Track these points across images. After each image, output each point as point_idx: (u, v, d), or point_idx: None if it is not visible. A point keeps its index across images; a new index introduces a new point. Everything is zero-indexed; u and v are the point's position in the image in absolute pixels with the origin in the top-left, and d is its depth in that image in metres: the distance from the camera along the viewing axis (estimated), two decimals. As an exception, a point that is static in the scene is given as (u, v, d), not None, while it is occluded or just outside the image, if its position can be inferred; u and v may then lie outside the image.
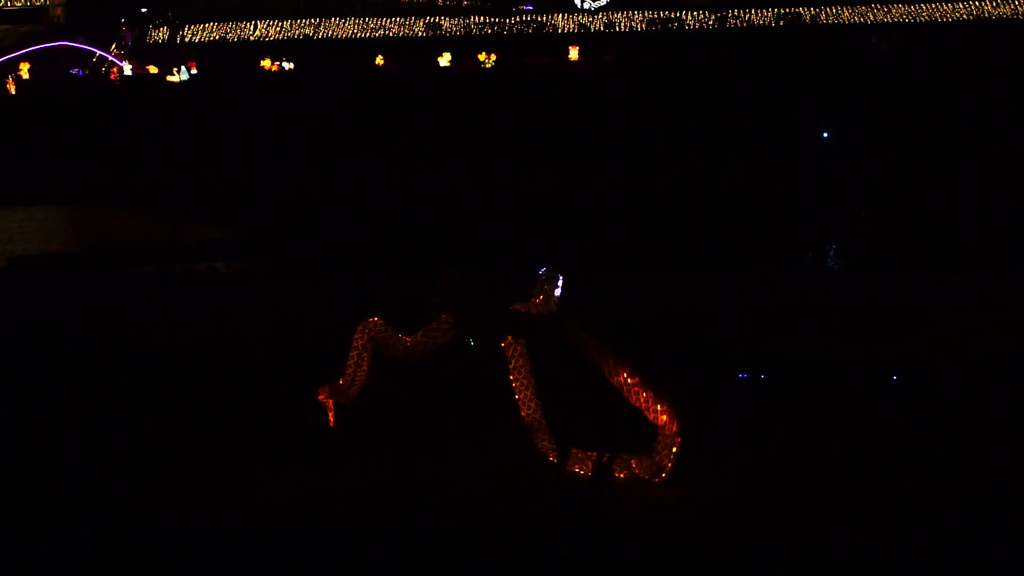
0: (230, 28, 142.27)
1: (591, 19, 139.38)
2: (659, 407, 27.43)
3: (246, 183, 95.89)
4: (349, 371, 29.42)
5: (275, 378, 34.40)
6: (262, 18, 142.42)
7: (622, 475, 27.77)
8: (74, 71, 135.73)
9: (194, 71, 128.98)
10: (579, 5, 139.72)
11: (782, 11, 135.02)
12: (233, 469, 29.46)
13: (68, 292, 50.93)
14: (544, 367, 29.71)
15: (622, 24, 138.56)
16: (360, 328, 29.28)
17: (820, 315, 44.28)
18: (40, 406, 34.70)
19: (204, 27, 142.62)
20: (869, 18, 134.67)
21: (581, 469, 28.44)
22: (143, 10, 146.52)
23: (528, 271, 31.60)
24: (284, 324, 35.75)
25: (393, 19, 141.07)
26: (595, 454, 27.54)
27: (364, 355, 29.29)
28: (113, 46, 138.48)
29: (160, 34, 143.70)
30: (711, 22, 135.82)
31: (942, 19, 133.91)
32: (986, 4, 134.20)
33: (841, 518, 25.90)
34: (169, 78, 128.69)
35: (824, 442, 31.19)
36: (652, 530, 25.25)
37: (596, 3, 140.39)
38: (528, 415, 29.00)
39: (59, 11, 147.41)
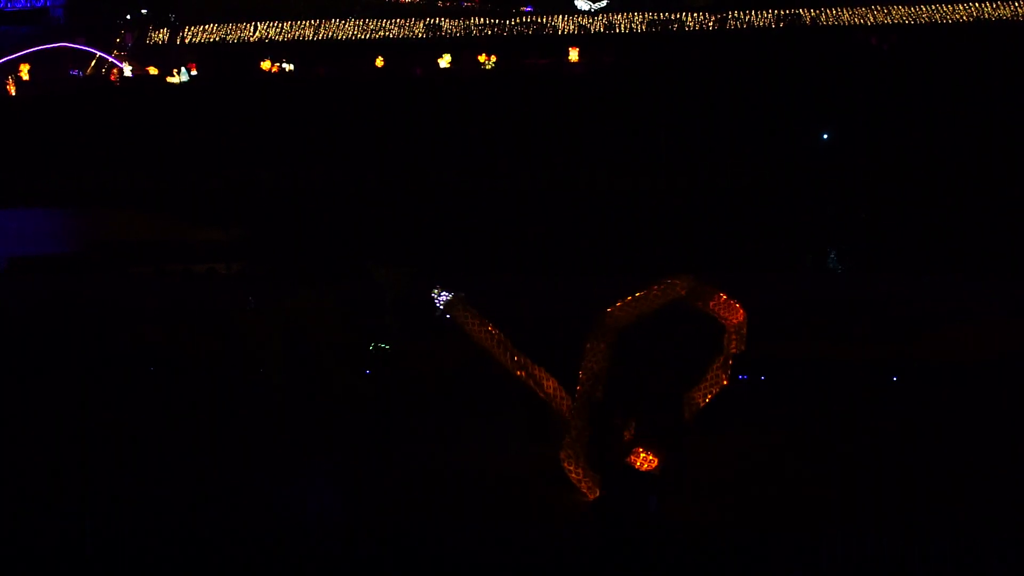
0: (230, 29, 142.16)
1: (591, 20, 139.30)
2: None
3: (246, 183, 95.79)
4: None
5: (274, 377, 34.40)
6: (262, 19, 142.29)
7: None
8: (74, 72, 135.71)
9: (194, 72, 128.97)
10: (580, 7, 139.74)
11: (782, 12, 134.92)
12: (233, 468, 29.46)
13: (68, 292, 50.92)
14: None
15: (622, 25, 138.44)
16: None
17: (820, 315, 44.29)
18: (40, 406, 34.70)
19: (204, 28, 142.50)
20: (869, 19, 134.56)
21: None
22: (143, 11, 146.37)
23: (530, 271, 31.68)
24: (284, 324, 35.71)
25: (393, 20, 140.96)
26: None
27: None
28: (115, 51, 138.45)
29: (160, 35, 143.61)
30: (711, 23, 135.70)
31: (942, 21, 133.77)
32: (986, 6, 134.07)
33: (840, 516, 25.91)
34: (169, 79, 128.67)
35: (823, 441, 31.22)
36: (653, 528, 25.25)
37: (596, 5, 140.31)
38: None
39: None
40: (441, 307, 29.42)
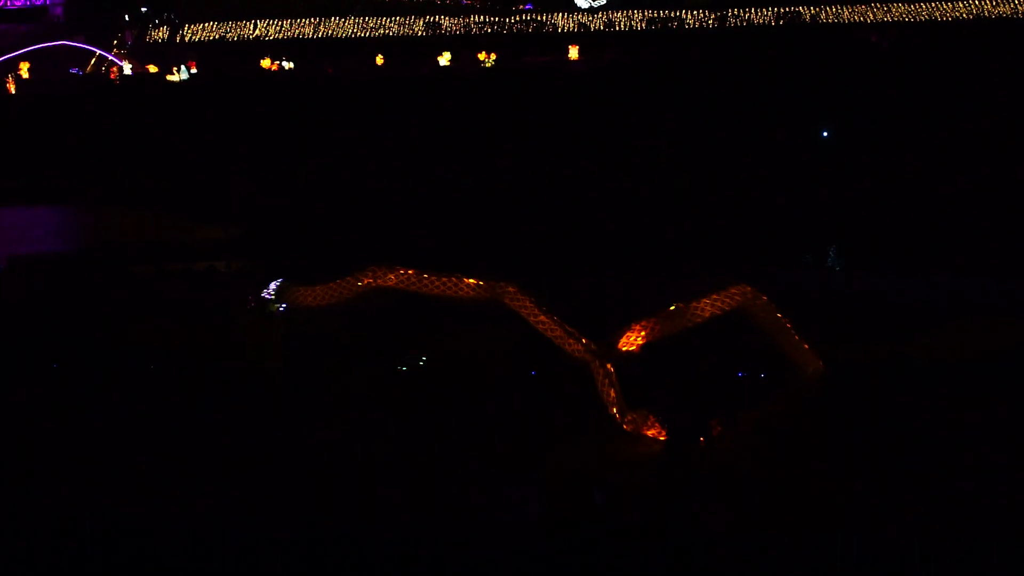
0: (230, 28, 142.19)
1: (591, 19, 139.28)
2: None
3: (246, 183, 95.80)
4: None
5: (275, 378, 34.40)
6: (262, 18, 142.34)
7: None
8: (73, 70, 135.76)
9: (194, 71, 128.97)
10: (579, 5, 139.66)
11: (782, 11, 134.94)
12: (233, 469, 29.48)
13: (68, 292, 50.84)
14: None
15: (622, 24, 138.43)
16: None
17: (820, 315, 44.18)
18: (40, 406, 34.69)
19: (204, 27, 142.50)
20: (869, 17, 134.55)
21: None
22: (143, 10, 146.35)
23: (529, 270, 31.64)
24: (284, 324, 35.70)
25: (393, 19, 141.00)
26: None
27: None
28: (115, 49, 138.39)
29: (160, 34, 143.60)
30: (711, 22, 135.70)
31: (942, 18, 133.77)
32: (986, 3, 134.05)
33: (840, 517, 25.93)
34: (169, 77, 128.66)
35: (823, 441, 31.24)
36: (654, 529, 25.27)
37: (596, 2, 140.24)
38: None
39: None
40: (271, 297, 29.35)
